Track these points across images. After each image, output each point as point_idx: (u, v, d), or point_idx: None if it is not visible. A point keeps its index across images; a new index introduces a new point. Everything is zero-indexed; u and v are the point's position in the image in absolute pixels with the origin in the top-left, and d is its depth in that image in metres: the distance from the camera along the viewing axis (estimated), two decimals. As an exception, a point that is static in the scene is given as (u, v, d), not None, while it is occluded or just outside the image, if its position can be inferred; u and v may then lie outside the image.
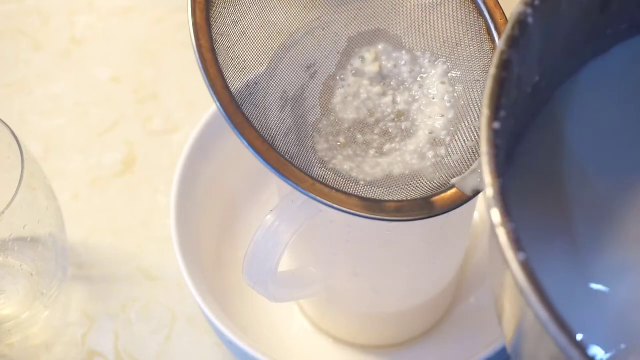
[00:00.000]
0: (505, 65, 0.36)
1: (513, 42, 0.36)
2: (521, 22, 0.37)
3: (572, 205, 0.41)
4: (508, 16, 0.46)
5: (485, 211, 0.34)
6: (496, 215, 0.33)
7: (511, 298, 0.35)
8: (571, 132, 0.42)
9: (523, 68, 0.37)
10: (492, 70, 0.36)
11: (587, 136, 0.42)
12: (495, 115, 0.35)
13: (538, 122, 0.41)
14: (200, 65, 0.42)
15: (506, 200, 0.34)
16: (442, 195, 0.43)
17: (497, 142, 0.35)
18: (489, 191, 0.34)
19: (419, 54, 0.47)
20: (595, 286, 0.39)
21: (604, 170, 0.41)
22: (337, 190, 0.42)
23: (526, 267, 0.32)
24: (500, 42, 0.36)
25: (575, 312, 0.36)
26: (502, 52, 0.36)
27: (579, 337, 0.35)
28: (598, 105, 0.42)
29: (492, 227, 0.33)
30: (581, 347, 0.31)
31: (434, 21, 0.46)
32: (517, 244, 0.33)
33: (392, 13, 0.47)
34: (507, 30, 0.37)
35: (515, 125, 0.38)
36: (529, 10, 0.37)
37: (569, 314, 0.33)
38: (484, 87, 0.45)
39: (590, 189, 0.41)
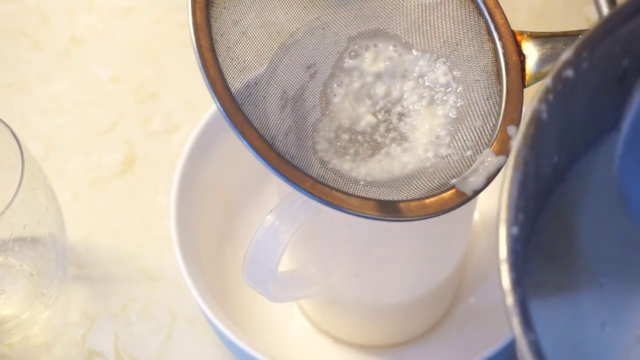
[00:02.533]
0: (522, 166, 0.36)
1: (529, 142, 0.36)
2: (536, 120, 0.36)
3: (581, 284, 0.40)
4: (508, 17, 0.46)
5: (506, 318, 0.34)
6: (517, 325, 0.33)
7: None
8: (580, 210, 0.41)
9: (540, 160, 0.37)
10: (509, 173, 0.35)
11: (595, 215, 0.41)
12: (514, 219, 0.35)
13: (553, 200, 0.41)
14: (200, 65, 0.42)
15: (526, 309, 0.33)
16: (442, 195, 0.43)
17: (515, 249, 0.34)
18: (509, 300, 0.34)
19: (419, 54, 0.47)
20: None
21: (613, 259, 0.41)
22: (337, 190, 0.42)
23: None
24: (515, 143, 0.36)
25: None
26: (518, 153, 0.36)
27: None
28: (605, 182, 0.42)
29: (514, 335, 0.33)
30: None
31: (434, 21, 0.46)
32: (537, 356, 0.33)
33: (392, 13, 0.47)
34: (522, 129, 0.36)
35: (533, 210, 0.38)
36: (544, 107, 0.36)
37: None
38: (484, 87, 0.45)
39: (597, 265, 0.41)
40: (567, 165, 0.41)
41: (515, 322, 0.33)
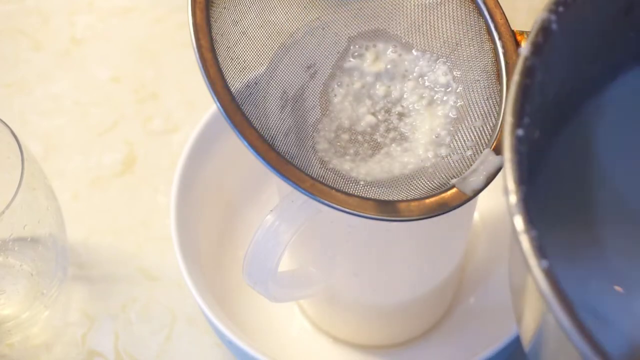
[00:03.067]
0: (528, 72, 0.36)
1: (537, 49, 0.36)
2: (545, 29, 0.36)
3: (598, 215, 0.40)
4: (508, 17, 0.46)
5: (508, 218, 0.34)
6: (519, 222, 0.33)
7: (532, 303, 0.35)
8: (600, 144, 0.41)
9: (547, 76, 0.37)
10: (515, 77, 0.36)
11: (617, 148, 0.41)
12: (518, 122, 0.35)
13: (565, 133, 0.41)
14: (200, 65, 0.42)
15: (529, 207, 0.33)
16: (442, 195, 0.43)
17: (520, 149, 0.34)
18: (512, 198, 0.34)
19: (419, 54, 0.47)
20: (619, 291, 0.39)
21: (632, 181, 0.41)
22: (337, 190, 0.42)
23: (549, 274, 0.32)
24: (523, 49, 0.36)
25: (597, 318, 0.36)
26: (526, 59, 0.36)
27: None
28: (628, 119, 0.42)
29: (515, 233, 0.33)
30: (605, 356, 0.31)
31: (434, 21, 0.46)
32: (540, 251, 0.32)
33: (392, 13, 0.47)
34: (530, 37, 0.36)
35: (541, 135, 0.38)
36: (553, 17, 0.36)
37: (591, 320, 0.33)
38: (484, 87, 0.45)
39: (617, 199, 0.41)
40: (574, 103, 0.41)
41: (518, 220, 0.33)
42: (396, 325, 0.56)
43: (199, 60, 0.42)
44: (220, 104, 0.41)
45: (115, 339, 0.58)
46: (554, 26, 0.37)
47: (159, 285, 0.60)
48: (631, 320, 0.39)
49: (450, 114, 0.45)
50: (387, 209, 0.42)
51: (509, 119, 0.35)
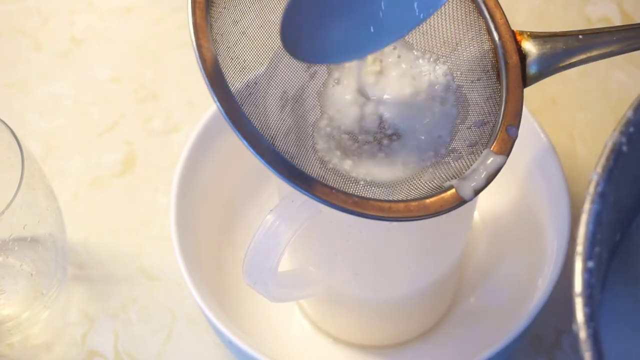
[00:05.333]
0: (600, 199, 0.35)
1: (609, 174, 0.35)
2: (616, 152, 0.36)
3: None
4: (508, 17, 0.46)
5: (579, 353, 0.33)
6: None
7: None
8: None
9: (619, 193, 0.36)
10: (587, 206, 0.35)
11: None
12: (590, 253, 0.34)
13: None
14: (200, 65, 0.42)
15: (599, 344, 0.33)
16: (442, 195, 0.43)
17: (591, 282, 0.34)
18: (582, 334, 0.33)
19: (419, 53, 0.47)
20: None
21: None
22: (337, 190, 0.42)
23: None
24: (594, 175, 0.35)
25: None
26: (597, 185, 0.35)
27: None
28: None
29: None
30: None
31: (434, 21, 0.46)
32: None
33: (392, 13, 0.47)
34: (602, 161, 0.36)
35: (612, 240, 0.38)
36: (624, 139, 0.36)
37: None
38: (484, 87, 0.45)
39: None
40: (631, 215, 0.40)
41: (588, 356, 0.33)
42: (396, 325, 0.56)
43: (199, 60, 0.42)
44: (220, 104, 0.41)
45: (115, 339, 0.58)
46: (625, 148, 0.36)
47: (159, 285, 0.60)
48: None
49: (450, 114, 0.45)
50: (387, 209, 0.42)
51: (579, 250, 0.34)
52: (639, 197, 0.39)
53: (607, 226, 0.35)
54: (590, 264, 0.34)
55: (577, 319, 0.33)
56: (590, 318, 0.33)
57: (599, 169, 0.36)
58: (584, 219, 0.35)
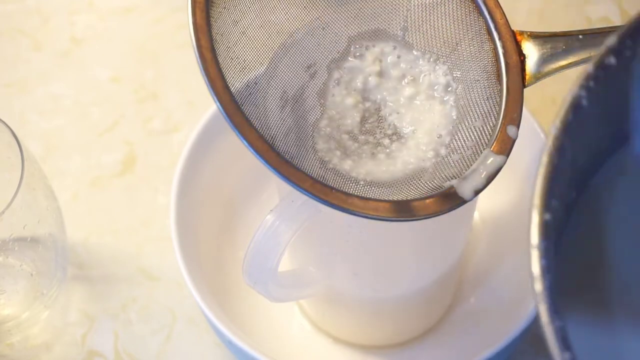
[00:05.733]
0: (558, 153, 0.35)
1: (567, 127, 0.35)
2: (576, 106, 0.36)
3: (614, 297, 0.40)
4: (508, 17, 0.46)
5: (534, 305, 0.33)
6: (544, 312, 0.33)
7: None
8: (610, 216, 0.40)
9: (576, 149, 0.36)
10: (544, 158, 0.35)
11: (624, 221, 0.40)
12: (546, 205, 0.34)
13: (579, 207, 0.40)
14: (200, 65, 0.42)
15: (554, 297, 0.33)
16: (442, 195, 0.43)
17: (547, 234, 0.34)
18: (538, 286, 0.33)
19: (419, 53, 0.47)
20: None
21: None
22: (337, 190, 0.42)
23: None
24: (552, 128, 0.35)
25: None
26: (556, 138, 0.35)
27: None
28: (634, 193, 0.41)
29: (541, 323, 0.33)
30: None
31: (434, 21, 0.46)
32: (564, 343, 0.32)
33: (392, 13, 0.47)
34: (561, 115, 0.35)
35: (563, 214, 0.37)
36: (583, 93, 0.36)
37: None
38: (484, 87, 0.45)
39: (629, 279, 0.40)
40: (603, 161, 0.40)
41: (543, 309, 0.33)
42: (396, 325, 0.56)
43: (199, 60, 0.42)
44: (220, 104, 0.41)
45: (115, 339, 0.58)
46: (585, 102, 0.36)
47: (159, 285, 0.60)
48: None
49: (450, 114, 0.45)
50: (387, 209, 0.42)
51: (536, 202, 0.34)
52: (595, 159, 0.39)
53: (563, 182, 0.35)
54: (547, 216, 0.34)
55: (533, 271, 0.33)
56: (547, 270, 0.33)
57: (557, 122, 0.35)
58: (541, 171, 0.35)
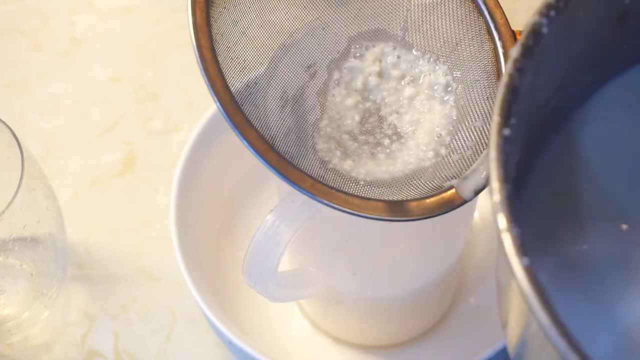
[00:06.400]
0: (517, 73, 0.36)
1: (526, 51, 0.36)
2: (536, 32, 0.37)
3: (585, 219, 0.40)
4: (508, 17, 0.46)
5: (492, 216, 0.34)
6: (502, 220, 0.33)
7: (515, 304, 0.35)
8: (590, 150, 0.41)
9: (537, 78, 0.37)
10: (505, 78, 0.36)
11: (606, 155, 0.41)
12: (505, 121, 0.35)
13: (558, 138, 0.41)
14: (200, 65, 0.42)
15: (512, 206, 0.34)
16: (442, 195, 0.43)
17: (506, 148, 0.35)
18: (496, 196, 0.34)
19: (419, 53, 0.47)
20: (603, 302, 0.39)
21: (619, 189, 0.41)
22: (337, 190, 0.42)
23: (529, 271, 0.32)
24: (513, 51, 0.36)
25: (579, 323, 0.36)
26: (515, 60, 0.36)
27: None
28: (617, 125, 0.42)
29: (498, 232, 0.33)
30: (582, 354, 0.31)
31: (434, 21, 0.46)
32: (522, 248, 0.33)
33: (392, 13, 0.47)
34: (521, 39, 0.37)
35: (532, 137, 0.38)
36: (544, 21, 0.37)
37: (572, 323, 0.33)
38: (484, 87, 0.45)
39: (606, 206, 0.41)
40: (566, 108, 0.41)
41: (501, 218, 0.33)
42: (396, 325, 0.56)
43: (199, 60, 0.42)
44: (220, 104, 0.41)
45: (115, 339, 0.58)
46: (545, 30, 0.37)
47: (159, 285, 0.60)
48: (616, 328, 0.39)
49: (450, 114, 0.45)
50: (388, 209, 0.42)
51: (495, 118, 0.35)
52: (553, 94, 0.39)
53: (523, 106, 0.36)
54: (507, 131, 0.35)
55: (492, 182, 0.34)
56: (506, 180, 0.34)
57: (518, 46, 0.37)
58: (501, 90, 0.36)
